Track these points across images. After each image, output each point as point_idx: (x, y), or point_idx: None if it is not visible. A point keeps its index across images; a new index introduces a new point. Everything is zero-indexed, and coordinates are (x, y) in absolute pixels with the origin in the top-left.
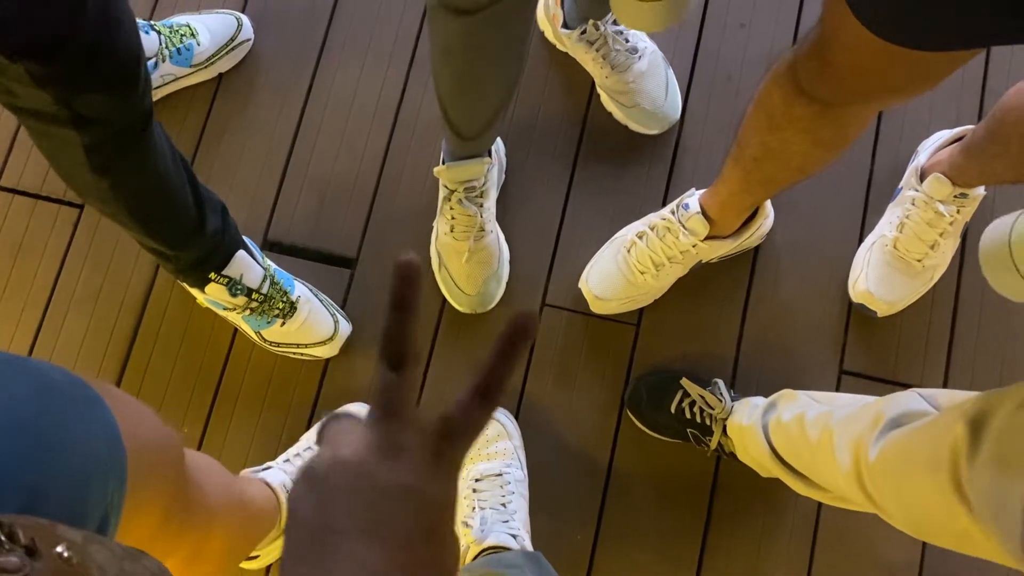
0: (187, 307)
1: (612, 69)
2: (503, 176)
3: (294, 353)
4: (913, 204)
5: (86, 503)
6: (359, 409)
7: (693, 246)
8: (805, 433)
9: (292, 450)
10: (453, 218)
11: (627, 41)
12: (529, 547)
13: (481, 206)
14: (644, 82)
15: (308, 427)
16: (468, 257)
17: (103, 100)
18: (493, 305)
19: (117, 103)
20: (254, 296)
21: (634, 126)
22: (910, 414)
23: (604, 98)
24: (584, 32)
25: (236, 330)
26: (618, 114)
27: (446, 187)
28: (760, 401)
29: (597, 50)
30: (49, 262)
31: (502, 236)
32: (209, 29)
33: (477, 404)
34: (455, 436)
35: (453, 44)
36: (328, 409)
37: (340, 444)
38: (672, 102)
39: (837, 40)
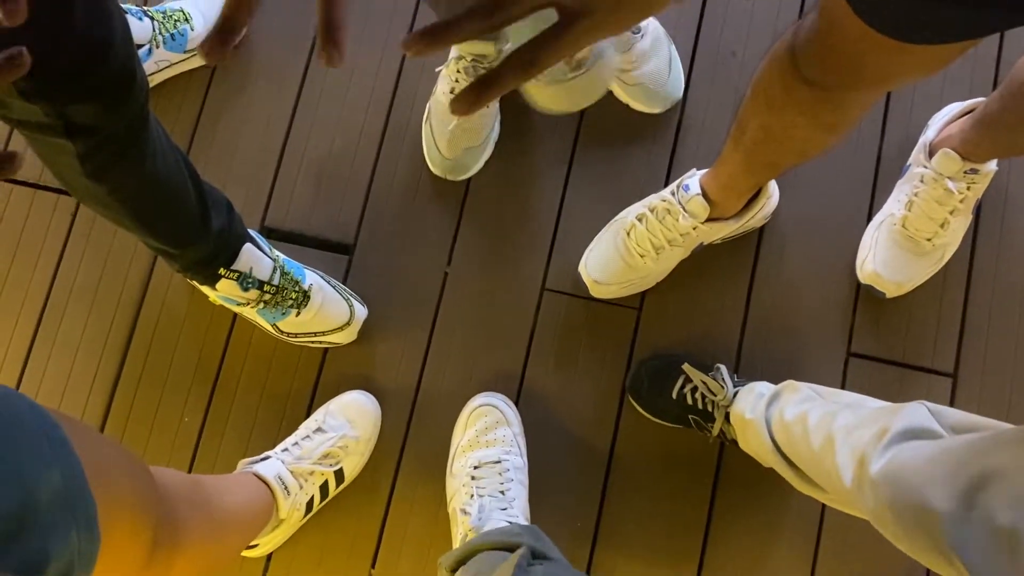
0: (185, 296)
1: (614, 48)
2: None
3: (313, 342)
4: (922, 181)
5: (46, 551)
6: (358, 397)
7: (694, 228)
8: (808, 438)
9: (290, 439)
10: (456, 81)
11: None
12: None
13: None
14: (647, 61)
15: (307, 415)
16: (458, 124)
17: (96, 108)
18: (466, 176)
19: (111, 110)
20: (266, 288)
21: (636, 105)
22: (917, 430)
23: None
24: None
25: (235, 317)
26: (620, 93)
27: (457, 49)
28: (764, 389)
29: None
30: (48, 253)
31: (499, 117)
32: (203, 13)
33: None
34: None
35: None
36: (327, 396)
37: None
38: (675, 80)
39: (837, 32)
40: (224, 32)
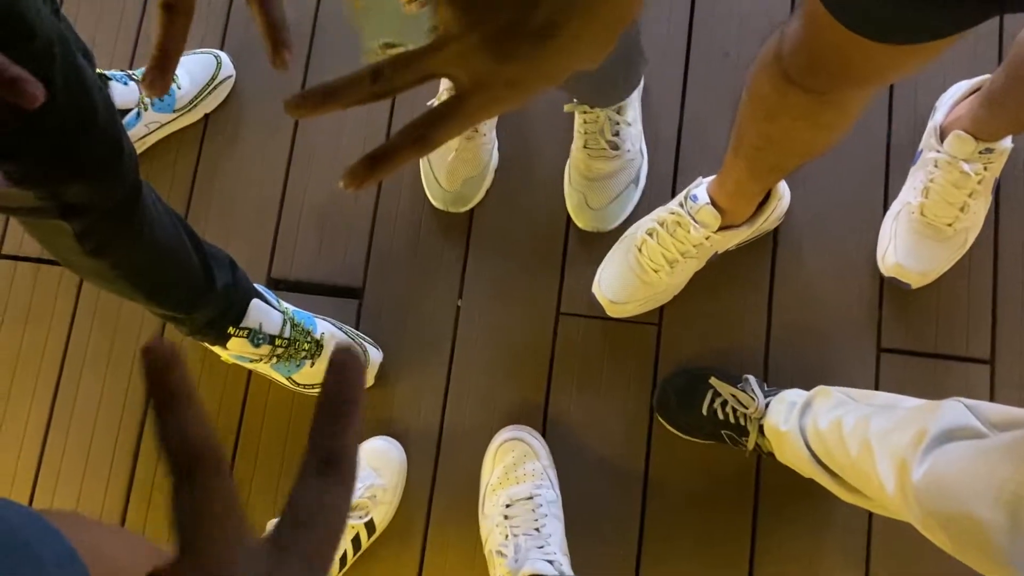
0: (198, 358)
1: (584, 146)
2: None
3: None
4: (936, 166)
5: None
6: (381, 444)
7: (706, 238)
8: (844, 446)
9: None
10: None
11: (616, 135)
12: (568, 572)
13: None
14: (600, 180)
15: None
16: (455, 155)
17: (88, 186)
18: (469, 207)
19: (103, 185)
20: (277, 342)
21: (568, 205)
22: (956, 430)
23: (569, 160)
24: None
25: (250, 375)
26: (565, 182)
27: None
28: (795, 398)
29: (585, 122)
30: (58, 327)
31: (496, 143)
32: (188, 71)
33: (319, 483)
34: (300, 531)
35: None
36: None
37: None
38: (611, 212)
39: (821, 38)
40: (162, 61)
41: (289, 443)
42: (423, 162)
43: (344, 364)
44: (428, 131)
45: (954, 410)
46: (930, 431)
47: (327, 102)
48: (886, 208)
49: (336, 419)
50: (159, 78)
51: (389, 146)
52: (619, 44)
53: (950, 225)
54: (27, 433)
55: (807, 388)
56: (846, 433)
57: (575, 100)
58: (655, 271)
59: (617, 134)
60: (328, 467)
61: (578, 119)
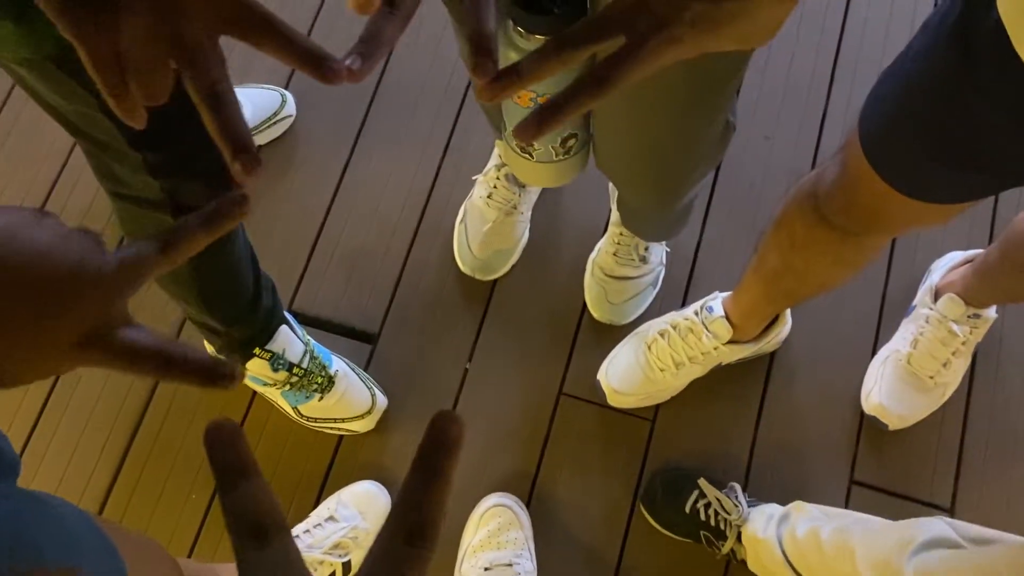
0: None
1: (614, 253)
2: None
3: (331, 428)
4: (927, 322)
5: None
6: (370, 487)
7: (715, 348)
8: (822, 551)
9: (302, 525)
10: (495, 187)
11: (647, 251)
12: None
13: (524, 187)
14: (623, 281)
15: (316, 501)
16: (491, 226)
17: (205, 190)
18: (494, 276)
19: (216, 190)
20: (295, 371)
21: (587, 295)
22: (939, 540)
23: (594, 254)
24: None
25: (253, 397)
26: (587, 273)
27: (500, 157)
28: (775, 511)
29: (621, 234)
30: None
31: (529, 224)
32: (252, 102)
33: (404, 551)
34: None
35: None
36: (338, 484)
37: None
38: (628, 309)
39: (861, 188)
40: (369, 46)
41: (279, 472)
42: (459, 227)
43: (447, 430)
44: (609, 72)
45: (937, 524)
46: (917, 539)
47: (515, 79)
48: (874, 351)
49: (433, 488)
50: (363, 61)
51: (571, 89)
52: (685, 207)
53: (932, 378)
54: (17, 416)
55: (783, 503)
56: (824, 539)
57: (624, 222)
58: (661, 370)
59: (647, 249)
60: (417, 538)
61: (614, 230)
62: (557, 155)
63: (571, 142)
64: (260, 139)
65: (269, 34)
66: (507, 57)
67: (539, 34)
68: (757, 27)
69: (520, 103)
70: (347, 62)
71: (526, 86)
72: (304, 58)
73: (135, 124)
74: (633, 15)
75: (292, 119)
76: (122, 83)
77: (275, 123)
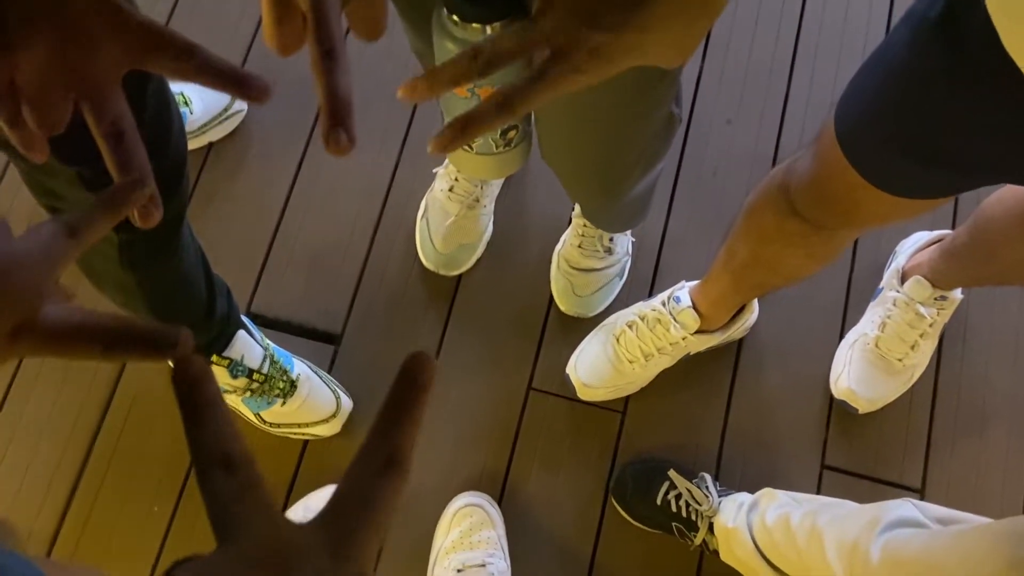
0: (163, 378)
1: (579, 245)
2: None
3: (295, 433)
4: (894, 305)
5: None
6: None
7: (683, 338)
8: (792, 537)
9: None
10: (456, 180)
11: (611, 242)
12: None
13: (486, 181)
14: (589, 272)
15: (284, 508)
16: (454, 220)
17: None
18: (458, 272)
19: (163, 200)
20: (255, 376)
21: (553, 288)
22: (909, 521)
23: (560, 246)
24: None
25: None
26: (553, 266)
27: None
28: (745, 499)
29: (584, 225)
30: None
31: (493, 217)
32: (202, 98)
33: (375, 480)
34: (352, 523)
35: None
36: (306, 489)
37: None
38: (595, 301)
39: (834, 181)
40: (341, 111)
41: None
42: (420, 223)
43: (417, 368)
44: (512, 98)
45: (904, 506)
46: (884, 519)
47: (433, 85)
48: (842, 335)
49: (403, 420)
50: (346, 130)
51: (475, 112)
52: (640, 197)
53: (900, 360)
54: None
55: (755, 492)
56: (794, 525)
57: (583, 213)
58: (630, 362)
59: (612, 240)
60: (389, 468)
61: (578, 222)
62: (498, 147)
63: (512, 133)
64: (211, 136)
65: (190, 63)
66: (444, 48)
67: (475, 22)
68: (666, 51)
69: (460, 93)
70: (337, 144)
71: (442, 91)
72: (229, 79)
73: (34, 157)
74: (533, 46)
75: (243, 113)
76: (18, 114)
77: (226, 119)
